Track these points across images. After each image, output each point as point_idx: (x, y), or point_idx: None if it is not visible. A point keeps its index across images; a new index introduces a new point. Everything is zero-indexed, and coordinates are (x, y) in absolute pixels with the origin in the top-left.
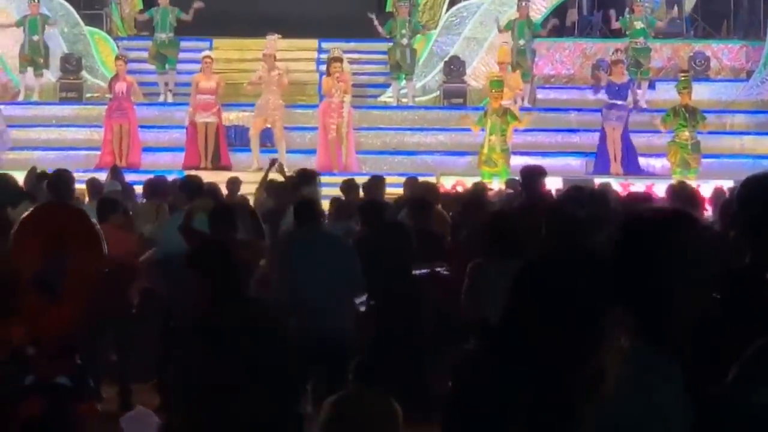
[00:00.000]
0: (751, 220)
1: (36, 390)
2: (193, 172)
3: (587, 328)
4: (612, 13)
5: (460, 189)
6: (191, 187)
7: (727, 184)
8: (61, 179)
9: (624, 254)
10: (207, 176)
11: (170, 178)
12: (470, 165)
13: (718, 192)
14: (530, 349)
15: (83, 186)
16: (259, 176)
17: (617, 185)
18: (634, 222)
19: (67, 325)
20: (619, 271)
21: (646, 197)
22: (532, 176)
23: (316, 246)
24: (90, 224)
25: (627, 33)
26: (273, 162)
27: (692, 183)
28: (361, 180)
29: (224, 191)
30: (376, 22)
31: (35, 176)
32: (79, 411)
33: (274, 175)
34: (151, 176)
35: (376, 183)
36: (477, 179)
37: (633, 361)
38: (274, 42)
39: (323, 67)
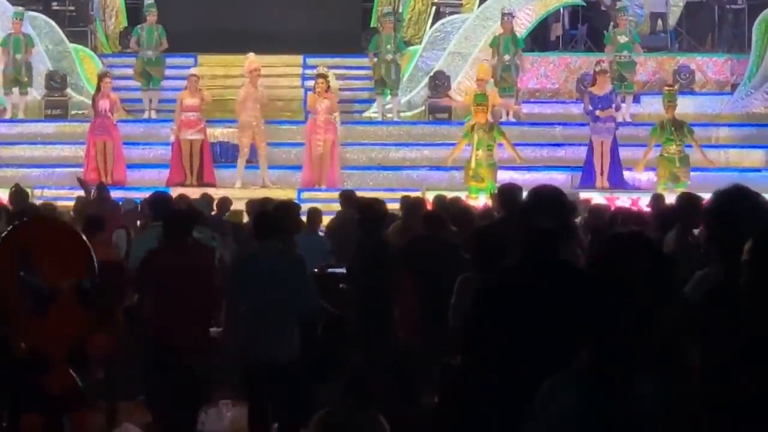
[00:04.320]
0: (717, 235)
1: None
2: (179, 189)
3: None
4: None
5: None
6: (159, 205)
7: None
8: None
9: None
10: (192, 192)
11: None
12: (455, 180)
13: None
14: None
15: (70, 203)
16: (242, 192)
17: (602, 199)
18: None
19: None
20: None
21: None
22: (509, 194)
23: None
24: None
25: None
26: None
27: None
28: None
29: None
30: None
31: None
32: (74, 419)
33: None
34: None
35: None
36: (463, 194)
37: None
38: (256, 58)
39: (308, 83)
